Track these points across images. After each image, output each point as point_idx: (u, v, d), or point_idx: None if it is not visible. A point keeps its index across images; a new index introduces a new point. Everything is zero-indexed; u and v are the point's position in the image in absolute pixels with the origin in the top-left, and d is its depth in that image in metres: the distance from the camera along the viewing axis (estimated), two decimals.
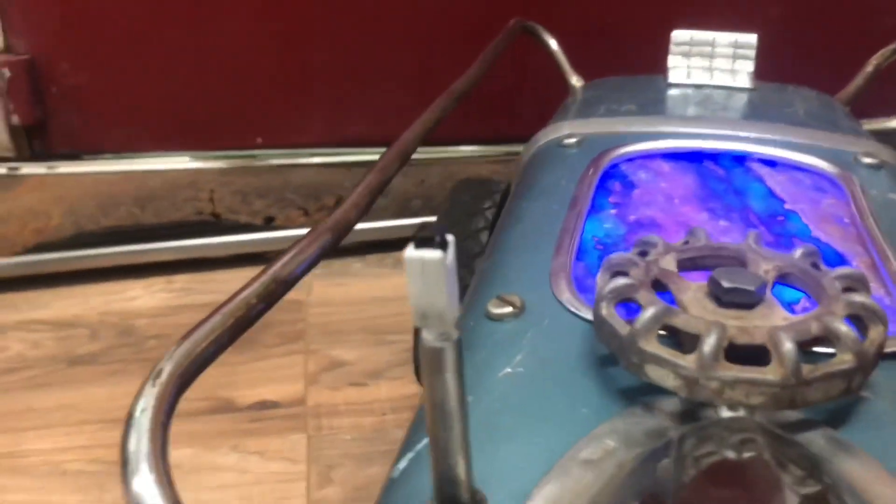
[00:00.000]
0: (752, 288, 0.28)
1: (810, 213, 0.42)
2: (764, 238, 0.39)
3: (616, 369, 0.30)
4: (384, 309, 0.88)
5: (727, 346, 0.26)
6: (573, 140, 0.50)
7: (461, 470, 0.23)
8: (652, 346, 0.27)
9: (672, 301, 0.29)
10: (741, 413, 0.26)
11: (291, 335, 0.85)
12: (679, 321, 0.27)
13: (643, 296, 0.28)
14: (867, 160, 0.47)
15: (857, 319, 0.28)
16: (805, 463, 0.25)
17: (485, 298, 0.35)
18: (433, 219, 0.83)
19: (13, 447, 0.71)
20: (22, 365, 0.81)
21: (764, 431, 0.25)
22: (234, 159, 0.99)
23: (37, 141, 0.97)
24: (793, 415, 0.28)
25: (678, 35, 0.61)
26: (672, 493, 0.21)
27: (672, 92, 0.59)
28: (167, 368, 0.24)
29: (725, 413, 0.26)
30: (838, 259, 0.38)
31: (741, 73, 0.60)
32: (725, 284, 0.28)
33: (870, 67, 0.64)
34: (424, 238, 0.20)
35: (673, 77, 0.61)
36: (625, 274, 0.30)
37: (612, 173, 0.47)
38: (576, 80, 0.66)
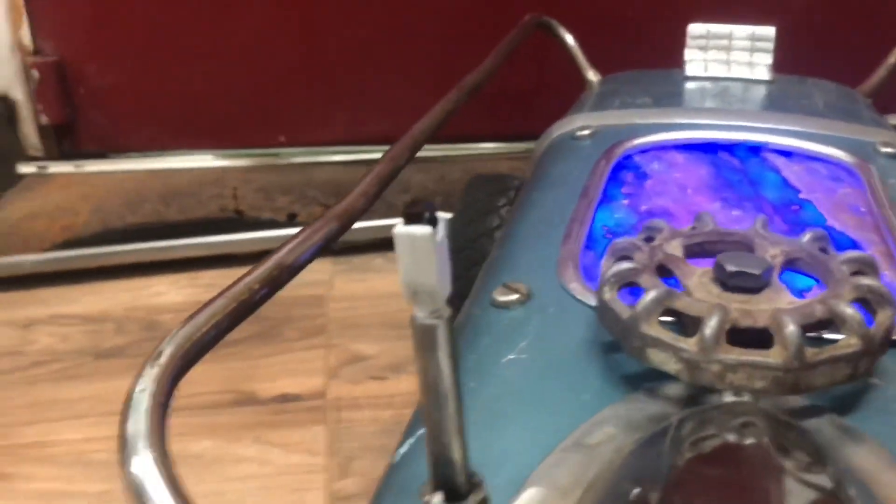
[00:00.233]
0: (757, 272, 0.28)
1: (826, 202, 0.42)
2: (777, 226, 0.38)
3: (620, 356, 0.30)
4: (405, 304, 0.89)
5: (730, 329, 0.26)
6: (586, 132, 0.50)
7: (456, 451, 0.23)
8: (653, 329, 0.27)
9: (678, 286, 0.29)
10: (745, 398, 0.26)
11: (313, 329, 0.85)
12: (681, 304, 0.27)
13: (646, 279, 0.28)
14: (886, 150, 0.47)
15: (866, 303, 0.27)
16: (810, 449, 0.24)
17: (491, 286, 0.35)
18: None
19: (42, 437, 0.73)
20: (51, 357, 0.83)
21: (766, 416, 0.25)
22: (257, 157, 1.00)
23: (65, 140, 0.99)
24: (799, 401, 0.27)
25: (695, 28, 0.60)
26: (665, 474, 0.21)
27: (688, 85, 0.59)
28: (167, 350, 0.25)
29: (729, 398, 0.26)
30: (853, 247, 0.38)
31: (759, 66, 0.59)
32: (730, 268, 0.28)
33: (892, 59, 0.63)
34: (414, 214, 0.20)
35: (690, 70, 0.60)
36: (629, 259, 0.30)
37: (625, 164, 0.47)
38: (592, 75, 0.66)
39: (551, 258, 0.37)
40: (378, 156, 0.40)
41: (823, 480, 0.22)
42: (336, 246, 0.96)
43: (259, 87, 1.00)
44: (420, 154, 1.05)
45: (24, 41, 0.95)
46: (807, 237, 0.31)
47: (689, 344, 0.26)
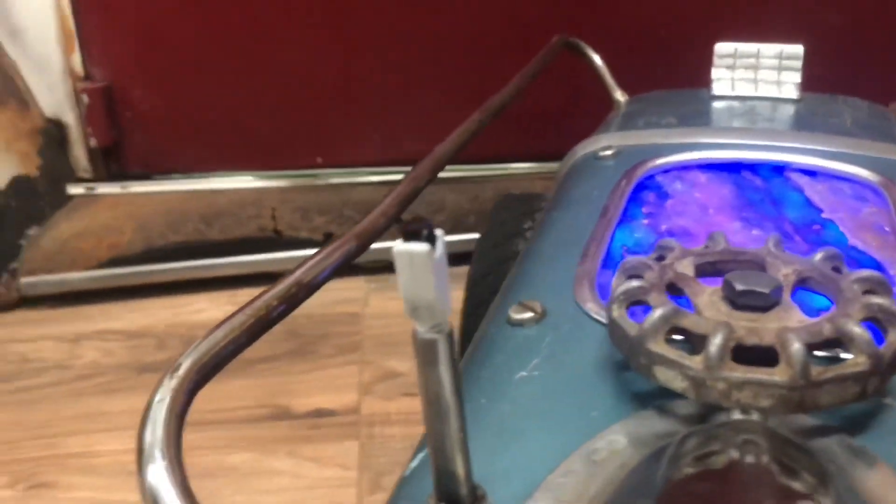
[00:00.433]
0: (766, 290, 0.28)
1: (849, 221, 0.41)
2: (797, 246, 0.38)
3: (631, 374, 0.30)
4: None
5: (735, 347, 0.26)
6: (609, 152, 0.51)
7: (459, 464, 0.23)
8: (660, 346, 0.27)
9: (689, 305, 0.29)
10: (753, 416, 0.26)
11: (348, 346, 0.87)
12: (687, 322, 0.27)
13: (654, 297, 0.29)
14: None
15: (877, 323, 0.27)
16: (813, 469, 0.24)
17: (508, 305, 0.36)
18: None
19: (85, 447, 0.75)
20: (96, 371, 0.86)
21: (770, 435, 0.25)
22: (295, 178, 1.03)
23: (112, 162, 1.02)
24: (810, 420, 0.27)
25: (722, 47, 0.60)
26: (660, 488, 0.21)
27: (714, 104, 0.59)
28: (186, 363, 0.26)
29: (737, 417, 0.26)
30: (875, 267, 0.37)
31: (787, 85, 0.59)
32: (739, 287, 0.28)
33: None
34: (412, 231, 0.21)
35: (717, 89, 0.60)
36: (639, 277, 0.30)
37: (646, 184, 0.47)
38: (619, 95, 0.66)
39: (568, 277, 0.37)
40: None
41: (823, 501, 0.22)
42: (369, 264, 0.98)
43: (297, 110, 1.02)
44: (454, 174, 1.07)
45: (76, 67, 0.99)
46: (819, 256, 0.31)
47: (694, 362, 0.26)
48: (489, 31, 0.99)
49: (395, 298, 1.04)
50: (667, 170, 0.48)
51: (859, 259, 0.38)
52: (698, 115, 0.57)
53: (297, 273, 0.32)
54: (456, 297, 0.66)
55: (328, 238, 1.02)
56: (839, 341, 0.27)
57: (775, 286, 0.28)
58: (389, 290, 0.97)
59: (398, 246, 0.21)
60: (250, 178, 1.02)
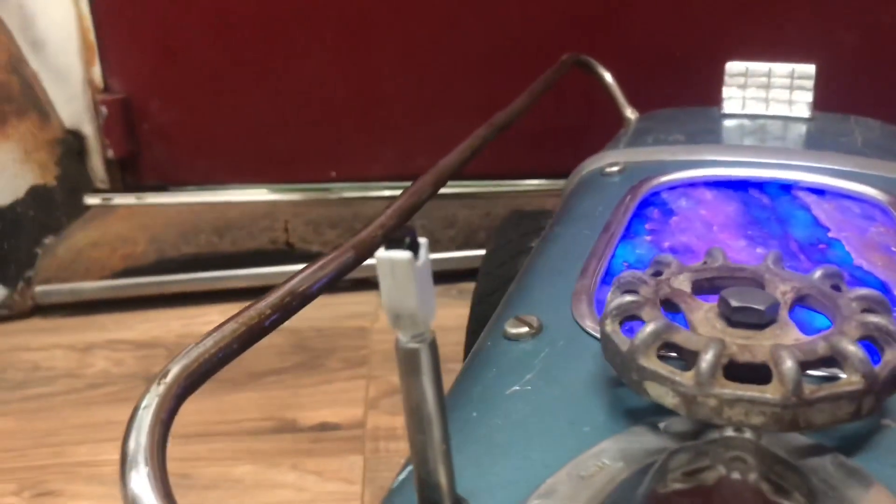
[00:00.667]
0: (761, 307, 0.28)
1: (855, 241, 0.41)
2: (802, 265, 0.38)
3: (624, 390, 0.30)
4: (446, 338, 0.89)
5: (728, 364, 0.26)
6: (615, 168, 0.50)
7: (442, 475, 0.23)
8: (651, 362, 0.27)
9: (684, 322, 0.29)
10: (746, 434, 0.26)
11: (355, 360, 0.87)
12: (679, 338, 0.27)
13: (647, 313, 0.28)
14: None
15: (874, 341, 0.27)
16: (802, 488, 0.24)
17: (505, 319, 0.36)
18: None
19: (92, 456, 0.75)
20: (105, 381, 0.86)
21: (761, 452, 0.24)
22: (308, 192, 1.03)
23: (128, 173, 1.04)
24: (802, 439, 0.27)
25: (733, 66, 0.60)
26: (645, 502, 0.21)
27: (724, 122, 0.58)
28: (174, 369, 0.26)
29: (729, 434, 0.26)
30: (879, 287, 0.37)
31: (799, 104, 0.58)
32: (734, 303, 0.28)
33: None
34: (395, 239, 0.20)
35: (727, 108, 0.60)
36: (634, 292, 0.30)
37: (651, 201, 0.47)
38: (630, 113, 0.66)
39: (567, 292, 0.37)
40: None
41: None
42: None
43: (312, 124, 1.03)
44: (466, 190, 1.07)
45: (95, 79, 1.00)
46: (818, 274, 0.30)
47: (685, 377, 0.26)
48: (503, 50, 1.00)
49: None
50: (672, 186, 0.48)
51: (864, 279, 0.37)
52: (707, 132, 0.57)
53: (292, 283, 0.32)
54: (462, 314, 0.66)
55: None
56: (835, 361, 0.26)
57: (771, 303, 0.28)
58: None
59: (380, 253, 0.20)
60: (264, 190, 1.03)
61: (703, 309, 0.30)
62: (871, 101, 0.66)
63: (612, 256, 0.40)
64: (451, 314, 0.99)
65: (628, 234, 0.43)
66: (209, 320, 0.97)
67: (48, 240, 1.00)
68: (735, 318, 0.28)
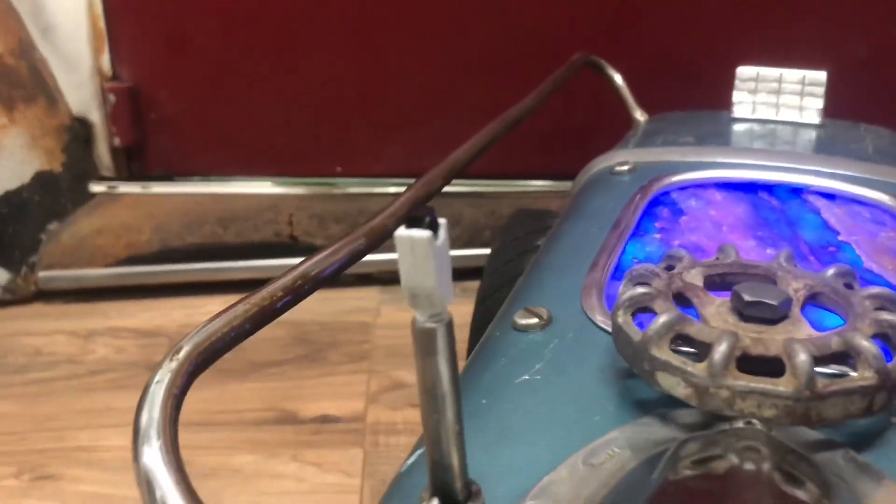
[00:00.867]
0: (774, 302, 0.28)
1: (865, 245, 0.41)
2: (812, 267, 0.38)
3: (634, 381, 0.30)
4: None
5: (742, 357, 0.26)
6: (625, 167, 0.51)
7: (455, 457, 0.23)
8: (663, 353, 0.27)
9: (696, 315, 0.29)
10: (756, 426, 0.26)
11: (357, 355, 0.87)
12: (693, 329, 0.27)
13: (660, 304, 0.28)
14: None
15: (886, 339, 0.27)
16: (815, 479, 0.24)
17: (514, 310, 0.36)
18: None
19: (92, 442, 0.75)
20: (106, 367, 0.86)
21: (774, 444, 0.24)
22: (313, 186, 1.03)
23: (134, 162, 1.04)
24: (813, 434, 0.27)
25: (744, 71, 0.60)
26: (654, 490, 0.21)
27: (734, 126, 0.58)
28: (187, 346, 0.26)
29: (739, 425, 0.26)
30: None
31: (809, 110, 0.59)
32: (747, 298, 0.28)
33: None
34: (415, 218, 0.21)
35: (737, 112, 0.60)
36: (646, 284, 0.30)
37: (661, 200, 0.47)
38: (639, 115, 0.66)
39: (576, 286, 0.37)
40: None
41: None
42: (383, 275, 0.98)
43: (320, 118, 1.03)
44: (472, 189, 1.07)
45: (104, 67, 1.01)
46: (831, 272, 0.30)
47: (698, 369, 0.26)
48: (512, 49, 1.00)
49: (407, 310, 1.04)
50: (682, 187, 0.48)
51: (874, 282, 0.37)
52: (717, 135, 0.57)
53: (304, 266, 0.32)
54: (467, 311, 0.66)
55: None
56: (848, 357, 0.26)
57: (784, 299, 0.28)
58: (402, 302, 0.97)
59: (399, 232, 0.21)
60: (269, 183, 1.03)
61: (716, 303, 0.30)
62: (881, 110, 0.66)
63: (622, 253, 0.40)
64: (454, 311, 0.99)
65: (638, 231, 0.43)
66: (211, 311, 0.96)
67: (53, 226, 1.01)
68: (747, 312, 0.28)
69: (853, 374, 0.27)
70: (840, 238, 0.42)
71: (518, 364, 0.32)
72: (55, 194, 1.01)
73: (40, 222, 1.00)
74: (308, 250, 1.01)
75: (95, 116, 1.02)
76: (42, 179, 1.00)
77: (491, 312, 0.47)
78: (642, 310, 0.29)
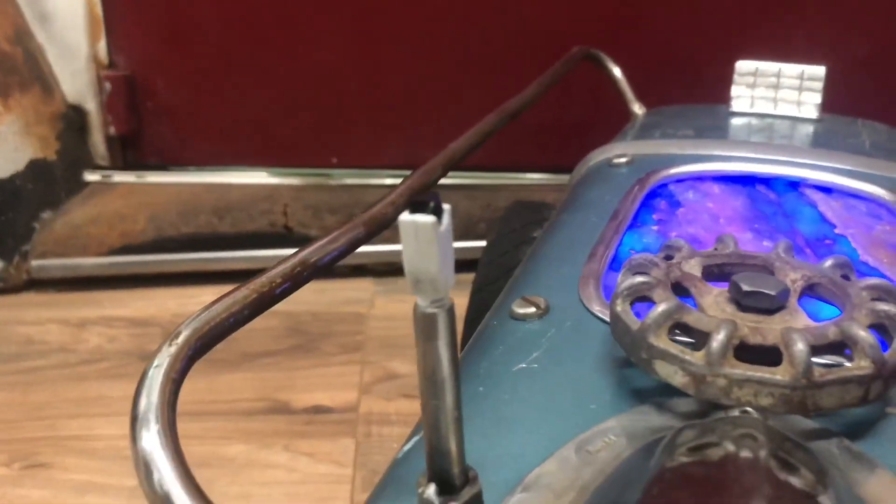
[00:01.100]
0: (772, 292, 0.28)
1: (861, 238, 0.41)
2: (809, 260, 0.38)
3: (631, 370, 0.30)
4: None
5: (740, 346, 0.26)
6: (623, 159, 0.51)
7: (453, 442, 0.23)
8: (661, 341, 0.27)
9: (694, 305, 0.29)
10: (753, 414, 0.26)
11: (351, 346, 0.87)
12: (691, 318, 0.27)
13: (658, 294, 0.28)
14: None
15: (883, 330, 0.27)
16: (811, 467, 0.24)
17: (512, 300, 0.36)
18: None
19: (84, 430, 0.75)
20: (99, 357, 0.86)
21: (770, 432, 0.24)
22: (309, 177, 1.03)
23: (129, 151, 1.03)
24: (809, 423, 0.27)
25: (743, 65, 0.60)
26: (651, 476, 0.21)
27: (732, 120, 0.59)
28: (185, 331, 0.26)
29: (735, 413, 0.26)
30: None
31: (807, 105, 0.59)
32: (745, 288, 0.28)
33: None
34: (419, 203, 0.20)
35: (736, 106, 0.60)
36: (645, 273, 0.30)
37: (659, 192, 0.47)
38: (638, 108, 0.66)
39: (574, 276, 0.37)
40: None
41: (822, 498, 0.22)
42: (377, 266, 0.98)
43: (316, 110, 1.03)
44: (468, 181, 1.07)
45: (101, 55, 1.00)
46: (829, 263, 0.31)
47: (695, 357, 0.26)
48: (510, 43, 1.00)
49: (401, 301, 1.04)
50: (680, 179, 0.48)
51: (870, 274, 0.37)
52: (715, 128, 0.57)
53: (303, 253, 0.32)
54: (461, 304, 0.66)
55: None
56: (844, 347, 0.27)
57: (782, 289, 0.28)
58: (396, 293, 0.97)
59: (404, 216, 0.20)
60: (264, 174, 1.03)
61: (713, 293, 0.30)
62: (878, 106, 0.66)
63: (620, 244, 0.40)
64: None
65: (636, 222, 0.43)
66: (205, 301, 0.96)
67: (46, 214, 1.00)
68: (745, 302, 0.28)
69: (849, 364, 0.27)
70: (836, 231, 0.42)
71: (515, 352, 0.32)
72: (49, 182, 1.01)
73: (34, 210, 1.00)
74: (302, 241, 1.00)
75: (91, 105, 1.02)
76: (36, 167, 1.00)
77: (486, 303, 0.47)
78: (641, 299, 0.29)
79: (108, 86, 1.00)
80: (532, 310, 0.35)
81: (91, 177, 1.03)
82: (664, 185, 0.48)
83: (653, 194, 0.47)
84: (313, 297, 0.94)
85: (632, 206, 0.44)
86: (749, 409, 0.25)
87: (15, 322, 0.92)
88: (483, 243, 0.72)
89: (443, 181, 0.43)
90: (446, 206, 0.21)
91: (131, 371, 0.84)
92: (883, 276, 0.38)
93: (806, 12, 0.96)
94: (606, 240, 0.40)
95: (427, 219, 0.20)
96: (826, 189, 0.47)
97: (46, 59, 0.99)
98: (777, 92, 0.60)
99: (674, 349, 0.26)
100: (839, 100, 0.62)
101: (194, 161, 1.03)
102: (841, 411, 0.27)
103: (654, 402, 0.28)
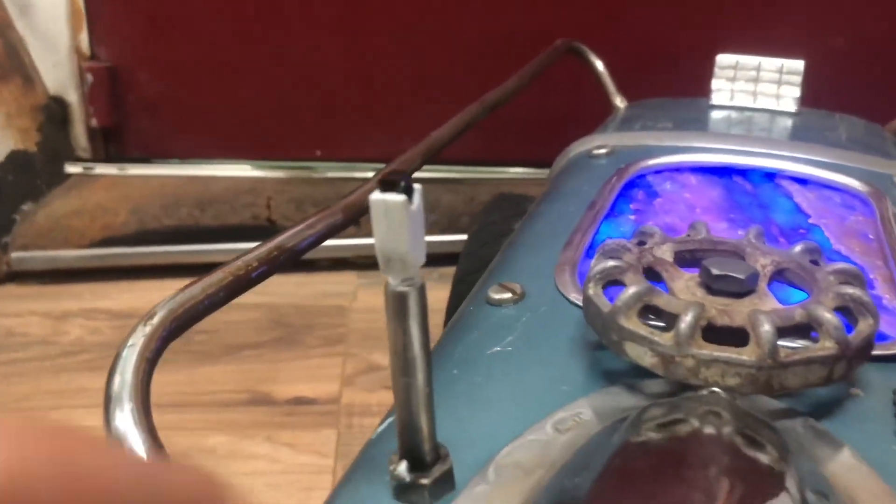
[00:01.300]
0: (741, 276, 0.28)
1: (834, 227, 0.42)
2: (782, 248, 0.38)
3: (604, 353, 0.30)
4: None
5: (707, 326, 0.26)
6: (603, 151, 0.51)
7: (424, 420, 0.24)
8: (631, 323, 0.27)
9: (665, 289, 0.30)
10: (721, 395, 0.26)
11: (333, 338, 0.87)
12: (661, 301, 0.27)
13: (629, 277, 0.29)
14: None
15: (848, 312, 0.28)
16: (777, 444, 0.24)
17: (489, 286, 0.36)
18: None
19: (65, 422, 0.75)
20: (80, 349, 0.86)
21: (734, 410, 0.25)
22: (292, 170, 1.03)
23: (112, 143, 1.03)
24: (776, 403, 0.27)
25: (723, 59, 0.61)
26: (615, 450, 0.22)
27: (712, 113, 0.59)
28: (161, 312, 0.26)
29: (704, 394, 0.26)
30: None
31: (786, 98, 0.59)
32: (715, 272, 0.29)
33: None
34: (390, 182, 0.21)
35: (716, 99, 0.61)
36: (618, 258, 0.30)
37: (637, 183, 0.47)
38: (619, 101, 0.67)
39: (550, 263, 0.37)
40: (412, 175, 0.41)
41: (781, 473, 0.22)
42: (359, 259, 0.98)
43: (300, 102, 1.03)
44: (451, 175, 1.07)
45: (82, 46, 0.99)
46: (798, 248, 0.31)
47: (664, 338, 0.26)
48: (495, 35, 1.00)
49: (383, 294, 1.04)
50: (658, 170, 0.49)
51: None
52: (694, 121, 0.57)
53: (280, 238, 0.32)
54: (444, 297, 0.66)
55: None
56: (811, 329, 0.27)
57: (751, 273, 0.29)
58: (379, 287, 0.97)
59: (374, 196, 0.21)
60: (248, 166, 1.03)
61: (685, 278, 0.30)
62: (856, 100, 0.67)
63: (596, 232, 0.41)
64: (431, 297, 1.00)
65: (613, 212, 0.43)
66: None
67: (27, 206, 0.99)
68: (715, 286, 0.29)
69: (814, 345, 0.27)
70: (810, 221, 0.43)
71: (490, 337, 0.32)
72: (30, 174, 1.00)
73: (14, 202, 0.99)
74: None
75: (72, 96, 1.01)
76: (16, 159, 0.99)
77: (466, 294, 0.48)
78: (613, 283, 0.30)
79: (89, 77, 0.99)
80: (508, 295, 0.35)
81: (72, 169, 1.03)
82: (642, 176, 0.48)
83: (631, 185, 0.47)
84: (296, 289, 0.94)
85: (609, 195, 0.45)
86: (717, 389, 0.26)
87: None
88: (465, 237, 0.72)
89: (426, 175, 0.44)
90: (417, 186, 0.21)
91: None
92: (854, 264, 0.38)
93: (786, 6, 0.97)
94: (583, 228, 0.41)
95: (397, 198, 0.21)
96: (802, 180, 0.47)
97: (27, 51, 0.98)
98: (757, 85, 0.61)
99: (643, 331, 0.27)
100: (820, 93, 0.63)
101: (177, 153, 1.03)
102: (807, 392, 0.28)
103: (625, 383, 0.28)
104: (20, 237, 0.98)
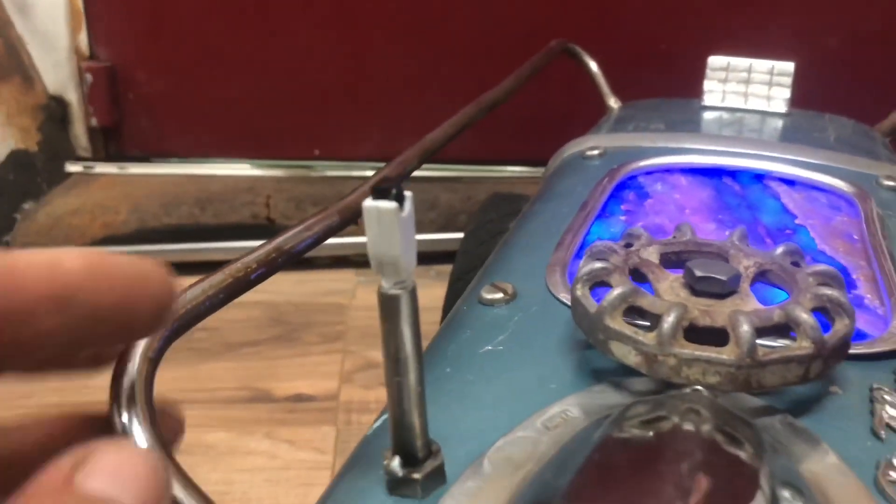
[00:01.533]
0: (724, 277, 0.29)
1: (820, 228, 0.43)
2: (767, 248, 0.39)
3: (591, 352, 0.31)
4: (423, 317, 0.91)
5: (689, 327, 0.27)
6: (596, 152, 0.52)
7: (416, 417, 0.25)
8: (616, 323, 0.28)
9: (651, 291, 0.31)
10: (703, 393, 0.27)
11: (332, 335, 0.88)
12: (645, 302, 0.28)
13: (615, 278, 0.30)
14: (888, 183, 0.47)
15: (826, 313, 0.29)
16: (756, 442, 0.25)
17: (482, 286, 0.37)
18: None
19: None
20: None
21: (714, 407, 0.26)
22: (291, 168, 1.04)
23: (112, 143, 1.04)
24: (756, 401, 0.28)
25: (715, 60, 0.62)
26: (595, 445, 0.22)
27: (703, 114, 0.60)
28: None
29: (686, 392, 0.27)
30: (840, 271, 0.38)
31: (777, 100, 0.60)
32: (698, 273, 0.30)
33: None
34: (382, 190, 0.22)
35: (708, 100, 0.62)
36: (605, 260, 0.31)
37: (628, 184, 0.48)
38: (613, 102, 0.68)
39: (542, 264, 0.38)
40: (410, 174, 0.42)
41: (755, 469, 0.23)
42: (359, 257, 0.99)
43: (299, 101, 1.04)
44: (448, 173, 1.08)
45: (82, 46, 1.00)
46: (780, 250, 0.32)
47: (648, 338, 0.27)
48: (491, 35, 1.01)
49: None
50: (649, 171, 0.49)
51: (826, 263, 0.39)
52: (686, 122, 0.58)
53: (278, 240, 0.33)
54: (440, 294, 0.67)
55: None
56: (790, 330, 0.28)
57: (733, 274, 0.30)
58: (377, 285, 0.98)
59: (367, 203, 0.22)
60: (247, 165, 1.04)
61: (670, 279, 0.31)
62: (845, 101, 0.68)
63: (587, 233, 0.42)
64: (428, 295, 1.00)
65: (604, 213, 0.44)
66: None
67: (27, 205, 1.00)
68: (698, 287, 0.30)
69: (792, 344, 0.28)
70: (797, 221, 0.44)
71: (482, 336, 0.33)
72: (30, 173, 1.01)
73: (15, 202, 1.00)
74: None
75: (72, 96, 1.02)
76: (17, 158, 1.00)
77: (462, 292, 0.49)
78: (600, 284, 0.31)
79: (89, 77, 1.00)
80: (500, 295, 0.36)
81: (73, 168, 1.03)
82: (633, 177, 0.49)
83: (622, 186, 0.48)
84: (295, 287, 0.95)
85: (601, 196, 0.46)
86: (699, 387, 0.27)
87: None
88: (462, 235, 0.73)
89: (424, 174, 0.45)
90: (408, 193, 0.22)
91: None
92: (838, 264, 0.39)
93: (779, 7, 0.98)
94: (575, 229, 0.42)
95: (389, 205, 0.22)
96: (789, 181, 0.48)
97: (27, 51, 0.99)
98: (748, 87, 0.62)
99: (628, 330, 0.28)
100: (812, 94, 0.64)
101: (176, 152, 1.04)
102: (787, 390, 0.29)
103: (611, 381, 0.29)
104: (21, 236, 0.99)
